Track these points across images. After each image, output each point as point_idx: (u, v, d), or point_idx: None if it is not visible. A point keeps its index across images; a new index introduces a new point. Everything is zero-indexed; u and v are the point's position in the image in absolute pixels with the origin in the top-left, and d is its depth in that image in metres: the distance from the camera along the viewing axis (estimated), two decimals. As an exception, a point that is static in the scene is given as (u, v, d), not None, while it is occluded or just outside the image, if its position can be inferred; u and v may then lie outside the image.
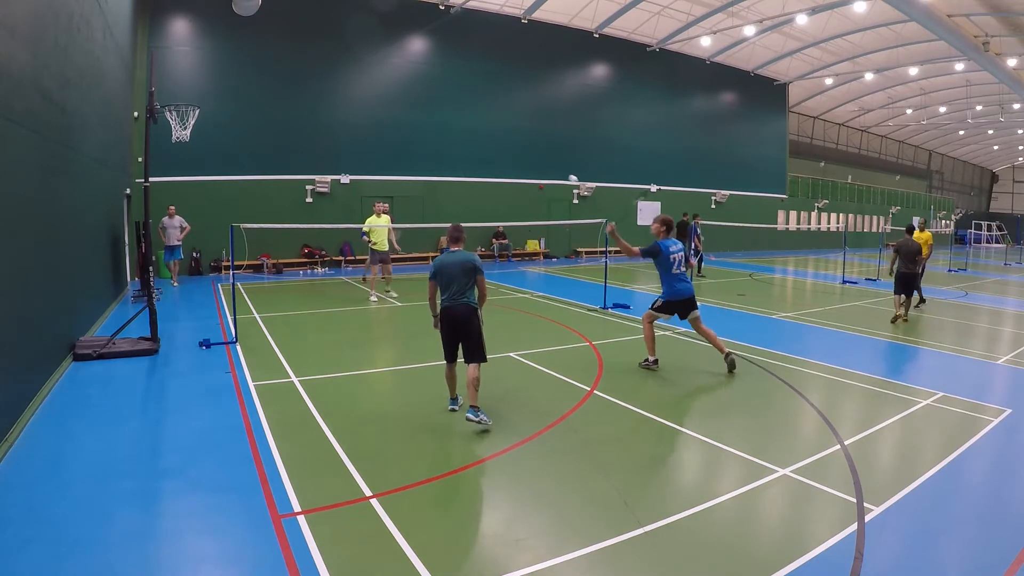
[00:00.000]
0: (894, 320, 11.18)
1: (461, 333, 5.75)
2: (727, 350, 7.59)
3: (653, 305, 7.83)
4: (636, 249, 7.65)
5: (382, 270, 13.57)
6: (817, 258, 29.19)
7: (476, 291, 5.82)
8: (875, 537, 3.81)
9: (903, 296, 11.20)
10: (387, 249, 13.40)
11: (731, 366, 7.51)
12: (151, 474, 4.70)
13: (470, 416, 5.50)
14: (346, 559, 3.54)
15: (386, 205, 14.16)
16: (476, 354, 5.73)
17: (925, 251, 12.97)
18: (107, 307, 11.29)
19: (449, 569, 3.47)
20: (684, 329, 9.98)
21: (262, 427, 5.57)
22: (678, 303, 7.66)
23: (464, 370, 5.74)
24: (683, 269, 7.69)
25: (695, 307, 7.71)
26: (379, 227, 13.13)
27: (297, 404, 6.26)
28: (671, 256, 7.57)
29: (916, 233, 13.14)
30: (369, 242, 13.29)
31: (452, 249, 5.87)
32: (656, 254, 7.55)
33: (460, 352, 5.83)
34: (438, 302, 5.86)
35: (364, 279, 15.55)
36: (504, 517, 4.18)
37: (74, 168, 8.52)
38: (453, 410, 6.00)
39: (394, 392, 7.16)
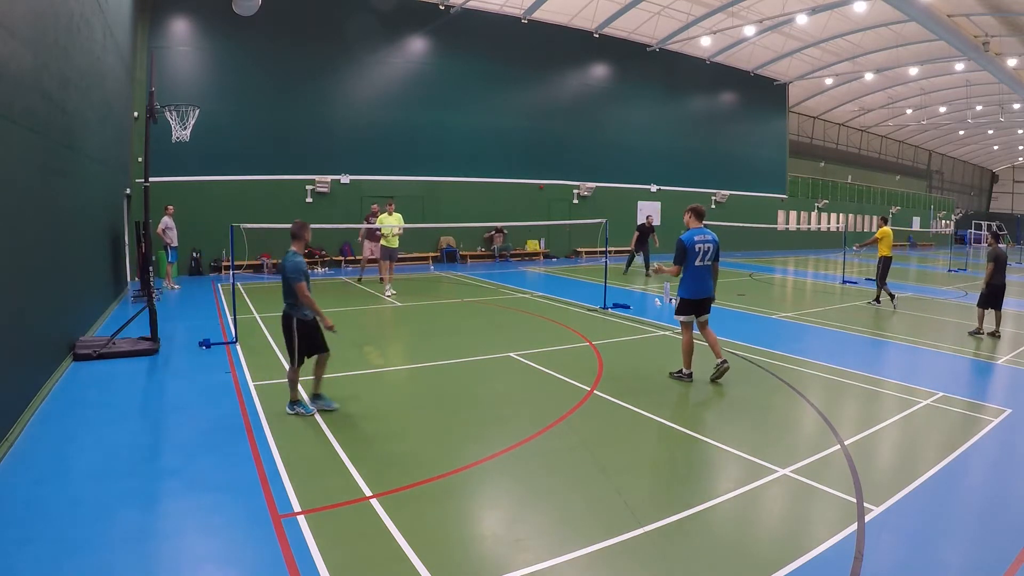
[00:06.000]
0: (980, 334, 10.21)
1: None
2: (723, 357, 7.12)
3: (676, 311, 7.29)
4: (675, 267, 7.09)
5: (389, 267, 14.15)
6: (817, 258, 29.20)
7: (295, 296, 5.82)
8: (875, 537, 3.81)
9: (988, 310, 10.25)
10: (396, 246, 14.16)
11: (720, 374, 7.10)
12: (151, 474, 4.70)
13: (288, 410, 5.95)
14: (346, 559, 3.54)
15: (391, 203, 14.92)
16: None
17: (884, 249, 13.15)
18: (107, 307, 11.30)
19: (449, 569, 3.47)
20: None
21: (262, 427, 5.57)
22: (697, 303, 7.13)
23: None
24: (707, 263, 7.05)
25: (708, 310, 7.23)
26: (388, 225, 13.86)
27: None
28: (695, 247, 6.95)
29: (881, 229, 13.35)
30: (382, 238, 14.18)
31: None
32: (681, 251, 6.99)
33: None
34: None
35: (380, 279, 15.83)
36: (504, 517, 4.18)
37: (74, 168, 8.52)
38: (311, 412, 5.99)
39: (394, 392, 7.15)
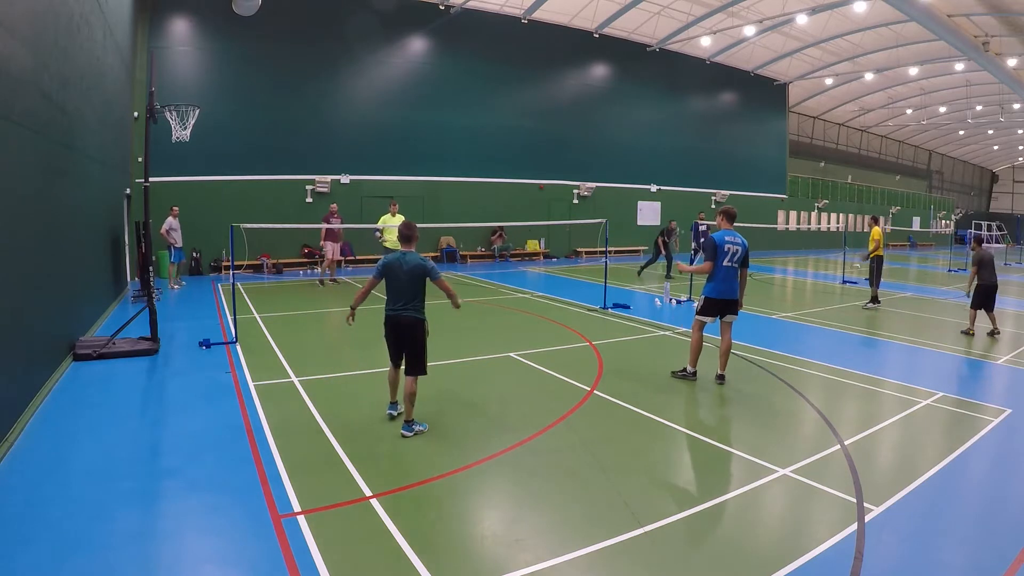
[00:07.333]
0: (971, 333, 10.29)
1: (406, 342, 5.56)
2: (723, 372, 7.19)
3: (697, 309, 7.32)
4: (707, 263, 7.13)
5: None
6: (817, 258, 29.18)
7: (424, 300, 5.58)
8: (875, 537, 3.81)
9: (981, 311, 10.25)
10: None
11: (718, 381, 7.19)
12: (151, 474, 4.71)
13: (404, 432, 5.35)
14: (346, 559, 3.54)
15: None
16: (415, 366, 5.53)
17: (872, 247, 13.26)
18: (107, 307, 11.29)
19: (449, 569, 3.47)
20: (685, 329, 9.98)
21: (262, 427, 5.57)
22: (719, 303, 7.13)
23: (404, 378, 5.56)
24: (734, 265, 7.09)
25: (735, 312, 7.21)
26: (392, 226, 13.61)
27: (297, 404, 6.26)
28: (724, 246, 7.05)
29: (875, 229, 13.40)
30: (381, 239, 14.01)
31: (403, 250, 5.53)
32: (712, 248, 7.08)
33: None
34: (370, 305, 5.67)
35: (322, 281, 15.80)
36: (504, 517, 4.18)
37: (74, 168, 8.52)
38: (391, 415, 5.78)
39: (394, 392, 7.15)
